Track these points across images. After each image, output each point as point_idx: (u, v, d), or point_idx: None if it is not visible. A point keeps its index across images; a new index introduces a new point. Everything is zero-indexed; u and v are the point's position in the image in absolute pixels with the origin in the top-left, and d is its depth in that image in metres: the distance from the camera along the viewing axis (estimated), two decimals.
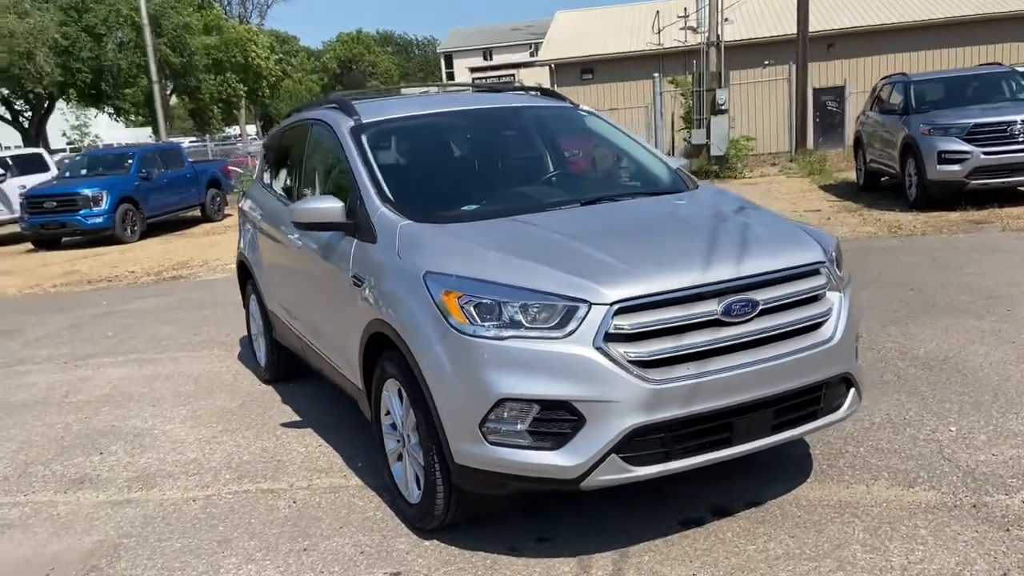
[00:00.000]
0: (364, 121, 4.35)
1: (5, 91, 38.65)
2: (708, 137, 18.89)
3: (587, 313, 2.99)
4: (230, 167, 22.86)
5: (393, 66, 70.51)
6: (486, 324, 3.05)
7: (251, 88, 48.83)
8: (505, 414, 3.04)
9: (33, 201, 16.75)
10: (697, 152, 19.23)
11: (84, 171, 18.44)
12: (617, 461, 2.99)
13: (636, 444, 3.00)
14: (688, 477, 3.28)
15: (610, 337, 2.98)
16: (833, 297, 3.41)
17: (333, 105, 4.73)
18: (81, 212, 16.42)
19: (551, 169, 4.48)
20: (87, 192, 16.46)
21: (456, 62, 55.66)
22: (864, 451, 3.96)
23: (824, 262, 3.43)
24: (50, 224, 16.60)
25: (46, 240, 17.03)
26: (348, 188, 4.06)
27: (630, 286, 3.06)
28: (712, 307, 3.08)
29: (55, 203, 16.56)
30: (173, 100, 46.93)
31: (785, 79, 21.77)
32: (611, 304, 2.99)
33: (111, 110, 41.45)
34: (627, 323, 3.00)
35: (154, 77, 26.15)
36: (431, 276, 3.27)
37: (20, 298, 11.40)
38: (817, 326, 3.33)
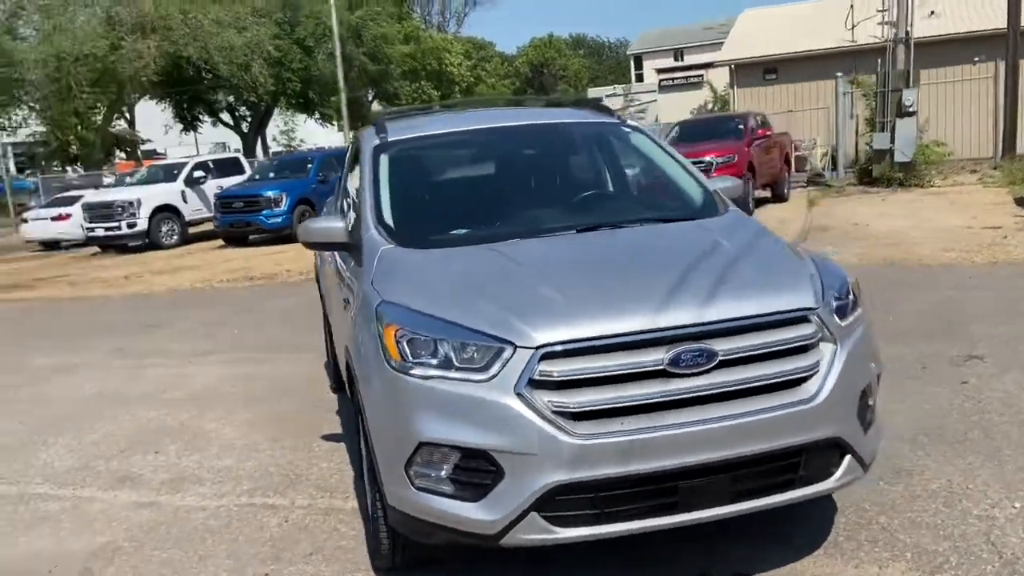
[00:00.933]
0: (389, 139, 4.29)
1: (230, 99, 42.60)
2: (892, 141, 17.31)
3: (511, 356, 2.74)
4: None
5: (583, 69, 70.67)
6: (416, 361, 2.87)
7: (444, 93, 50.79)
8: (428, 459, 2.85)
9: (224, 202, 18.33)
10: (880, 157, 17.68)
11: (272, 174, 19.92)
12: (538, 520, 2.72)
13: (561, 503, 2.72)
14: (677, 530, 2.92)
15: (536, 384, 2.71)
16: (825, 349, 2.94)
17: (375, 123, 4.73)
18: (263, 212, 17.70)
19: (569, 190, 4.21)
20: (269, 194, 17.75)
21: (646, 63, 54.84)
22: (897, 523, 3.38)
23: (814, 308, 2.96)
24: (237, 223, 18.08)
25: (235, 237, 18.56)
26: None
27: (562, 329, 2.78)
28: (659, 356, 2.73)
29: (242, 203, 17.99)
30: (375, 106, 49.62)
31: (990, 78, 19.54)
32: (537, 348, 2.73)
33: (317, 116, 44.58)
34: (555, 369, 2.72)
35: (341, 85, 27.68)
36: (384, 305, 3.13)
37: (188, 292, 12.45)
38: (797, 382, 2.88)
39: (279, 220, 17.50)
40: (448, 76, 51.12)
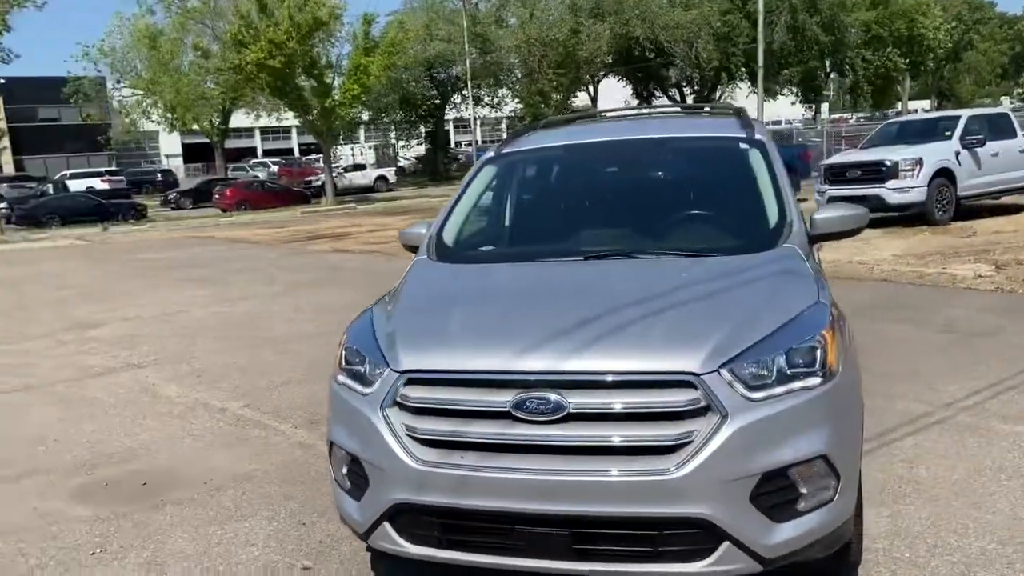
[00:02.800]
0: (502, 151, 4.54)
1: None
2: None
3: (385, 375, 2.89)
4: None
5: None
6: (343, 368, 3.13)
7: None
8: (336, 457, 3.12)
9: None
10: None
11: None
12: (389, 531, 2.86)
13: (407, 520, 2.82)
14: None
15: (398, 405, 2.84)
16: (707, 421, 2.57)
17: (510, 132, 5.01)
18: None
19: (629, 213, 3.97)
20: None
21: None
22: None
23: (696, 374, 2.58)
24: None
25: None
26: None
27: (426, 358, 2.85)
28: (506, 398, 2.66)
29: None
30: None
31: None
32: (402, 372, 2.84)
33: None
34: (413, 394, 2.80)
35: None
36: (368, 313, 3.43)
37: None
38: (661, 450, 2.57)
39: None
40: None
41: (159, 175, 49.33)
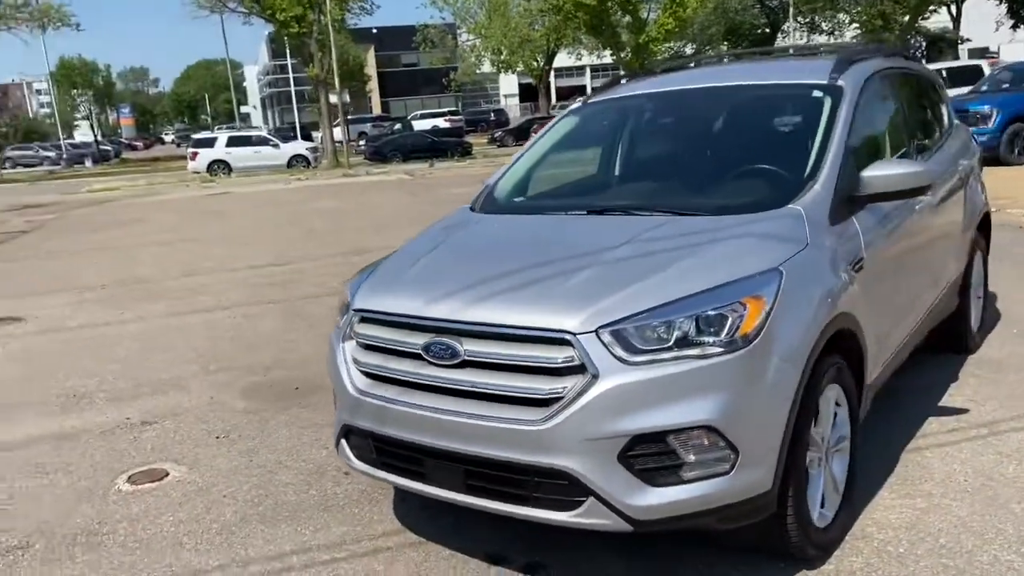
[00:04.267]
0: (588, 100, 4.57)
1: None
2: None
3: (348, 312, 3.27)
4: None
5: None
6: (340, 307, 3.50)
7: None
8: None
9: None
10: None
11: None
12: (344, 446, 3.24)
13: (354, 440, 3.18)
14: None
15: (352, 339, 3.19)
16: (575, 381, 2.59)
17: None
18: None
19: (669, 168, 3.73)
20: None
21: None
22: None
23: (572, 333, 2.61)
24: None
25: None
26: None
27: (372, 299, 3.16)
28: (419, 341, 2.90)
29: None
30: None
31: None
32: (356, 310, 3.20)
33: None
34: (360, 331, 3.14)
35: None
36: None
37: None
38: (537, 402, 2.65)
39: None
40: None
41: (492, 115, 53.05)
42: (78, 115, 70.79)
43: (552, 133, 4.47)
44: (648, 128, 4.37)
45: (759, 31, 44.36)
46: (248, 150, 32.74)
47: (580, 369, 2.62)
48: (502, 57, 42.04)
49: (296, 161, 32.99)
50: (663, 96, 4.36)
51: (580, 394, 2.59)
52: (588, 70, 67.69)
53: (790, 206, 3.20)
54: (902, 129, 4.23)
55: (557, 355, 2.65)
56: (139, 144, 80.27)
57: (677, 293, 2.70)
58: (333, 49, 33.96)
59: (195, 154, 32.90)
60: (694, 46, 43.63)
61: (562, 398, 2.62)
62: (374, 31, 62.54)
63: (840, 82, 3.76)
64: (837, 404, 3.17)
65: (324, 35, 33.67)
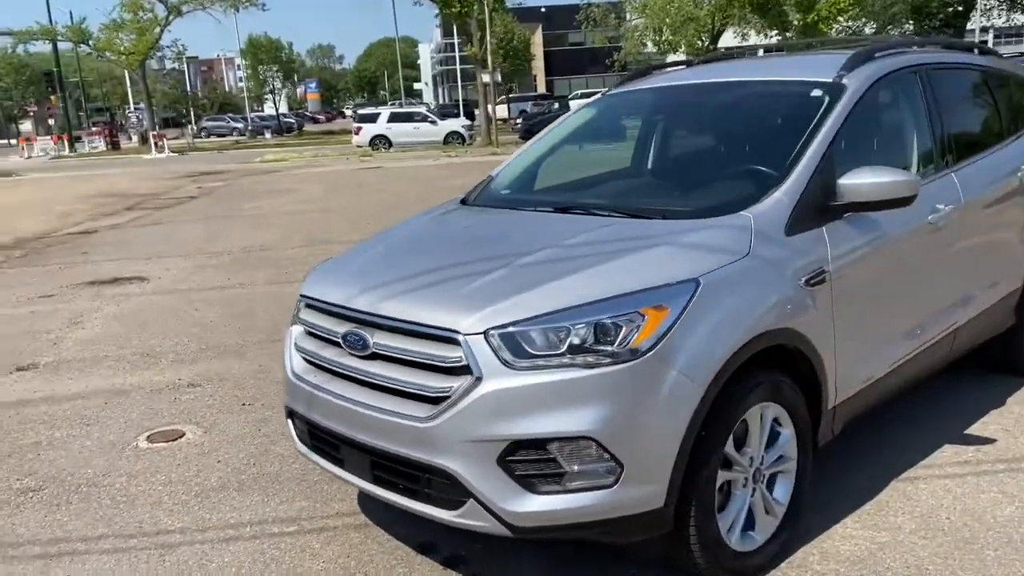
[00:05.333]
0: (609, 92, 4.46)
1: None
2: None
3: (299, 299, 3.38)
4: None
5: None
6: None
7: None
8: None
9: None
10: None
11: None
12: (289, 426, 3.35)
13: (299, 423, 3.26)
14: None
15: (299, 323, 3.28)
16: (461, 381, 2.58)
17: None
18: None
19: (645, 166, 3.53)
20: None
21: None
22: None
23: (459, 333, 2.59)
24: None
25: None
26: None
27: (314, 287, 3.24)
28: (340, 329, 2.96)
29: None
30: None
31: None
32: (301, 296, 3.29)
33: None
34: (303, 316, 3.24)
35: None
36: None
37: None
38: (430, 399, 2.65)
39: None
40: None
41: None
42: (267, 89, 75.83)
43: (565, 125, 4.42)
44: (645, 125, 4.25)
45: (949, 8, 40.78)
46: (408, 126, 33.93)
47: (464, 370, 2.62)
48: (664, 37, 41.09)
49: (452, 138, 33.87)
50: (664, 92, 4.23)
51: (464, 395, 2.58)
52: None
53: (741, 213, 3.02)
54: (929, 132, 3.84)
55: (448, 354, 2.65)
56: (321, 117, 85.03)
57: (578, 299, 2.63)
58: (488, 28, 34.49)
59: (359, 129, 34.47)
60: (874, 26, 40.74)
61: (449, 397, 2.62)
62: (543, 10, 62.80)
63: (845, 80, 3.49)
64: (778, 423, 2.98)
65: (484, 14, 34.28)
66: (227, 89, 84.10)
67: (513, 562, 3.13)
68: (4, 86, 75.56)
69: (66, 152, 43.92)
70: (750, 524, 2.95)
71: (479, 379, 2.56)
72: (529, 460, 2.57)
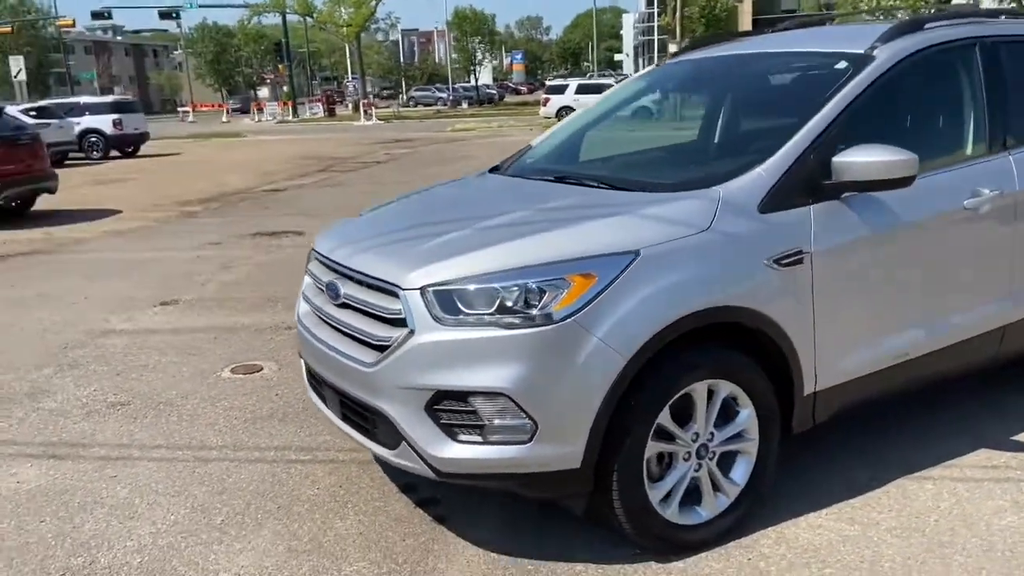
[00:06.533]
0: (666, 61, 4.43)
1: None
2: None
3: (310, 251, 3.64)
4: None
5: None
6: None
7: None
8: None
9: None
10: None
11: None
12: (301, 363, 3.59)
13: (304, 364, 3.54)
14: None
15: (307, 274, 3.56)
16: (400, 332, 2.76)
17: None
18: None
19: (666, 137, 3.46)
20: None
21: None
22: None
23: (400, 287, 2.77)
24: None
25: None
26: None
27: (321, 241, 3.51)
28: (326, 278, 3.23)
29: None
30: None
31: None
32: (312, 249, 3.57)
33: None
34: (311, 268, 3.51)
35: None
36: None
37: None
38: (374, 347, 2.86)
39: None
40: None
41: None
42: (475, 61, 78.19)
43: (610, 99, 4.45)
44: (675, 96, 4.19)
45: None
46: (596, 98, 33.87)
47: (402, 322, 2.82)
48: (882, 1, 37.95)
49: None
50: (703, 63, 4.12)
51: (400, 345, 2.79)
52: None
53: (714, 188, 2.99)
54: (984, 110, 3.51)
55: (392, 306, 2.86)
56: (523, 89, 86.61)
57: (515, 263, 2.74)
58: None
59: (547, 100, 34.91)
60: None
61: (389, 346, 2.84)
62: None
63: (876, 52, 3.30)
64: (737, 402, 2.95)
65: None
66: (437, 60, 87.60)
67: (475, 508, 3.31)
68: (245, 55, 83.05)
69: (290, 117, 47.87)
70: (696, 499, 2.95)
71: (412, 332, 2.75)
72: (453, 410, 2.73)
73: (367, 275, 2.99)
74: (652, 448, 2.81)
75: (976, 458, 3.52)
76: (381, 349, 2.86)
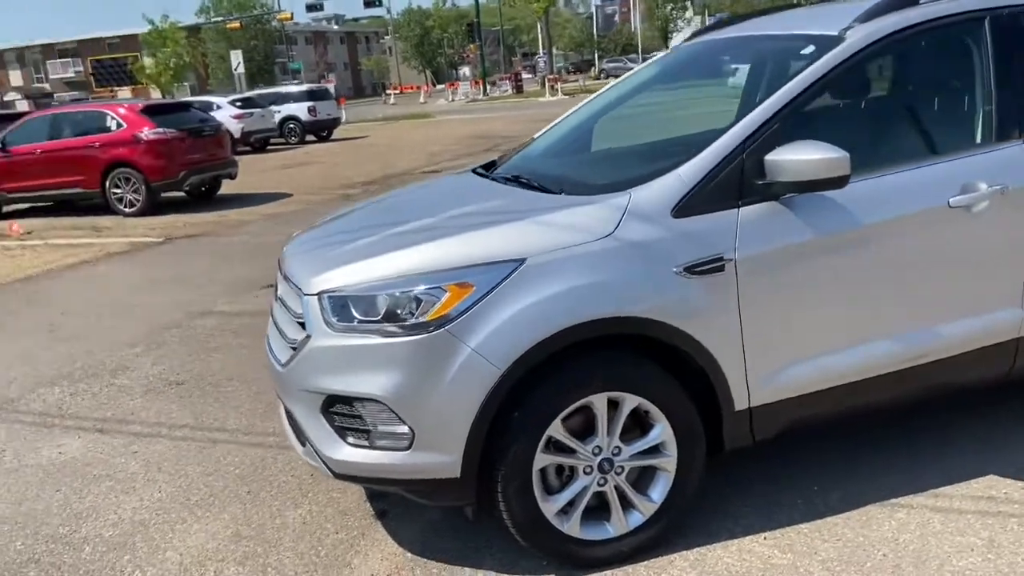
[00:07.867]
0: (678, 44, 4.15)
1: None
2: None
3: None
4: None
5: None
6: None
7: None
8: None
9: None
10: None
11: None
12: None
13: None
14: None
15: None
16: (303, 336, 2.83)
17: None
18: None
19: (613, 136, 3.18)
20: None
21: None
22: None
23: (306, 293, 2.84)
24: None
25: None
26: None
27: (286, 245, 3.62)
28: (279, 276, 3.36)
29: None
30: None
31: None
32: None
33: None
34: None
35: None
36: None
37: None
38: (292, 347, 2.94)
39: None
40: None
41: None
42: (670, 28, 76.05)
43: (616, 89, 4.25)
44: (658, 84, 3.91)
45: None
46: None
47: (304, 326, 2.91)
48: None
49: None
50: (691, 49, 3.84)
51: (300, 348, 2.89)
52: None
53: (628, 191, 2.82)
54: (986, 94, 3.02)
55: (299, 310, 2.96)
56: None
57: (404, 270, 2.74)
58: None
59: None
60: None
61: (297, 349, 2.95)
62: None
63: (849, 33, 2.95)
64: (649, 416, 2.80)
65: None
66: (633, 30, 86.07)
67: (418, 505, 3.33)
68: (448, 36, 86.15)
69: (480, 96, 49.15)
70: (603, 514, 2.83)
71: (308, 336, 2.84)
72: (343, 414, 2.80)
73: (290, 278, 3.11)
74: (543, 460, 2.72)
75: (972, 487, 3.10)
76: (293, 350, 2.97)
